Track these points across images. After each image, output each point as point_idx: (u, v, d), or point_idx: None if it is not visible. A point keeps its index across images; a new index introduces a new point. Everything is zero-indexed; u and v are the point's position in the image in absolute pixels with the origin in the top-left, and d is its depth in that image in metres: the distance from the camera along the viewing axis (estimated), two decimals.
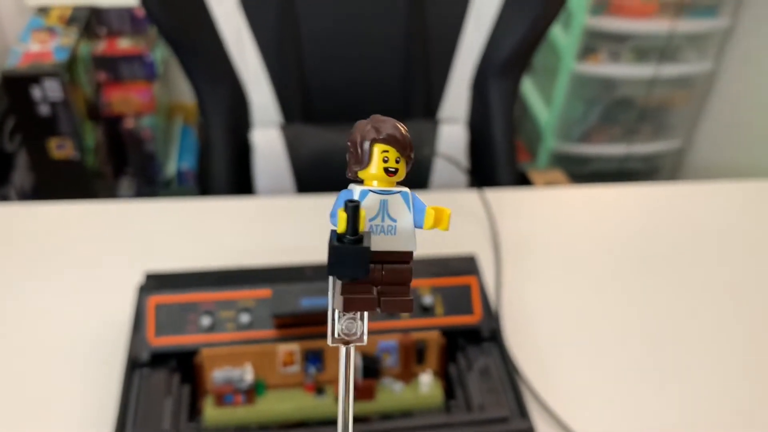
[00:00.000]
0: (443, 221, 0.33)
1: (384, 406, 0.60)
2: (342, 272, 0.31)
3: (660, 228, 0.88)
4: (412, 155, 0.34)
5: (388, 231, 0.33)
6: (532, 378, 0.65)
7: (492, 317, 0.64)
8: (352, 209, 0.31)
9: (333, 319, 0.33)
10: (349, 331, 0.33)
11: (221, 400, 0.58)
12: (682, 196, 0.95)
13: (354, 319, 0.33)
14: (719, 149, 1.72)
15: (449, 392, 0.62)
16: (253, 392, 0.58)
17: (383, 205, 0.33)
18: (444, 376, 0.63)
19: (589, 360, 0.69)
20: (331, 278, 0.33)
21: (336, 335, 0.33)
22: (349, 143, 0.34)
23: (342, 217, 0.31)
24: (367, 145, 0.33)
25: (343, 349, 0.33)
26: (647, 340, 0.71)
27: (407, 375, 0.61)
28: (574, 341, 0.71)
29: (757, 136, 1.56)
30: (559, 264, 0.81)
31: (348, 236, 0.31)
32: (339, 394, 0.33)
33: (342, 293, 0.32)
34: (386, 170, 0.33)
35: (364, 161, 0.33)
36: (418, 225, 0.33)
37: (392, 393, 0.60)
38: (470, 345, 0.64)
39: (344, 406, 0.33)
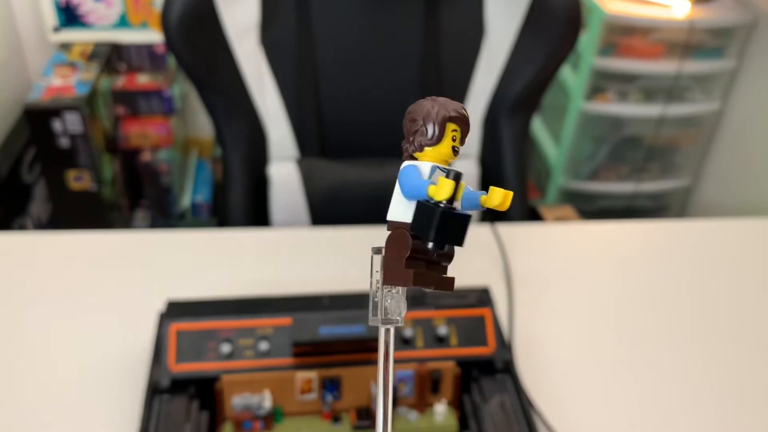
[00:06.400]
0: (507, 203, 0.33)
1: None
2: (444, 239, 0.32)
3: (668, 263, 0.89)
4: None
5: None
6: (544, 409, 0.66)
7: (505, 348, 0.66)
8: (456, 176, 0.31)
9: (380, 298, 0.33)
10: (394, 310, 0.33)
11: (240, 426, 0.59)
12: (689, 233, 0.96)
13: (399, 298, 0.33)
14: (726, 188, 1.73)
15: (463, 422, 0.63)
16: (271, 419, 0.60)
17: None
18: (458, 406, 0.64)
19: (600, 391, 0.70)
20: (376, 257, 0.33)
21: (383, 315, 0.33)
22: (411, 121, 0.34)
23: (449, 184, 0.31)
24: (440, 122, 0.33)
25: (382, 331, 0.33)
26: (657, 372, 0.72)
27: (422, 404, 0.63)
28: (585, 373, 0.72)
29: (764, 175, 1.58)
30: (571, 297, 0.82)
31: (449, 205, 0.31)
32: (378, 378, 0.33)
33: (406, 267, 0.32)
34: (453, 149, 0.34)
35: (434, 138, 0.33)
36: (471, 205, 0.33)
37: (407, 422, 0.61)
38: (484, 376, 0.65)
39: (384, 395, 0.33)
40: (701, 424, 0.67)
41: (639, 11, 1.58)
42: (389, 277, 0.33)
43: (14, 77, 1.62)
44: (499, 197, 0.32)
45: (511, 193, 0.33)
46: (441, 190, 0.31)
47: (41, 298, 0.77)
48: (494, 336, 0.65)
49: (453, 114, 0.33)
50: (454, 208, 0.32)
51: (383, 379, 0.34)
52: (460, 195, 0.32)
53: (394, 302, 0.34)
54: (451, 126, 0.33)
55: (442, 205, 0.31)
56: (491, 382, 0.65)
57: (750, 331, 0.79)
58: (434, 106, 0.34)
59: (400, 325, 0.34)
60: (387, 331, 0.34)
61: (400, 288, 0.34)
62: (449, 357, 0.63)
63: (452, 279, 0.34)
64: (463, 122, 0.34)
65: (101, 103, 1.57)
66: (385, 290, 0.34)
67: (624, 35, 1.60)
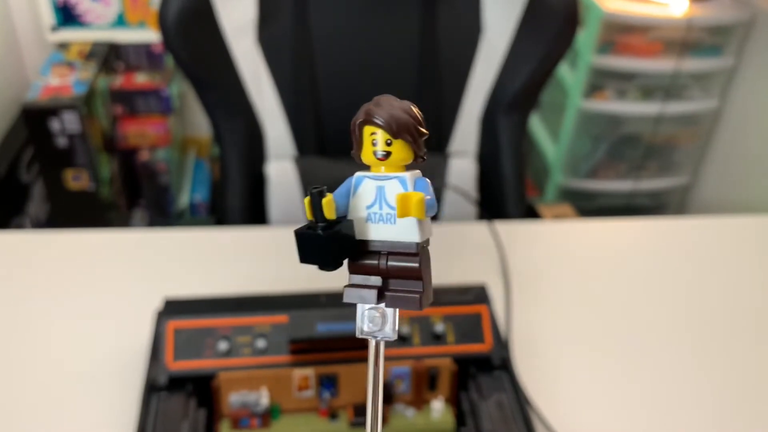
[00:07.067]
0: (411, 208, 0.30)
1: (396, 431, 0.61)
2: (310, 261, 0.30)
3: (666, 261, 0.89)
4: (415, 138, 0.31)
5: (387, 219, 0.31)
6: (541, 406, 0.66)
7: (502, 346, 0.66)
8: (315, 195, 0.29)
9: (360, 312, 0.32)
10: (373, 324, 0.32)
11: (237, 423, 0.59)
12: (688, 230, 0.96)
13: (379, 312, 0.32)
14: (725, 185, 1.73)
15: (460, 419, 0.63)
16: (268, 416, 0.60)
17: (380, 192, 0.31)
18: (455, 403, 0.64)
19: (597, 388, 0.70)
20: None
21: (363, 329, 0.32)
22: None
23: (306, 203, 0.30)
24: (357, 126, 0.31)
25: (371, 343, 0.32)
26: (656, 370, 0.72)
27: (419, 401, 0.62)
28: (582, 370, 0.72)
29: (762, 173, 1.58)
30: (568, 295, 0.82)
31: (320, 224, 0.30)
32: (368, 391, 0.33)
33: (347, 283, 0.31)
34: (375, 154, 0.31)
35: (359, 144, 0.32)
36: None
37: (404, 418, 0.61)
38: (481, 373, 0.65)
39: (373, 404, 0.33)
40: (699, 421, 0.67)
41: (637, 9, 1.58)
42: (351, 295, 0.32)
43: (12, 77, 1.62)
44: (399, 209, 0.30)
45: (410, 194, 0.30)
46: (306, 210, 0.30)
47: (39, 296, 0.77)
48: (491, 333, 0.65)
49: (364, 118, 0.31)
50: (329, 226, 0.30)
51: (372, 392, 0.33)
52: (329, 212, 0.30)
53: (373, 315, 0.32)
54: (369, 129, 0.31)
55: (320, 225, 0.30)
56: (488, 379, 0.64)
57: (749, 328, 0.79)
58: (363, 107, 0.32)
59: (390, 338, 0.32)
60: (377, 343, 0.32)
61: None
62: (446, 354, 0.63)
63: (416, 297, 0.31)
64: (380, 125, 0.31)
65: (99, 102, 1.57)
66: (361, 305, 0.32)
67: (622, 33, 1.60)
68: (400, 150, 0.31)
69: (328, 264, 0.30)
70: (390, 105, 0.31)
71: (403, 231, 0.31)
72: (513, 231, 0.91)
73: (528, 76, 0.99)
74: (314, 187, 0.29)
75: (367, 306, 0.32)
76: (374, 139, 0.31)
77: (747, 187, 1.63)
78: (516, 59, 0.99)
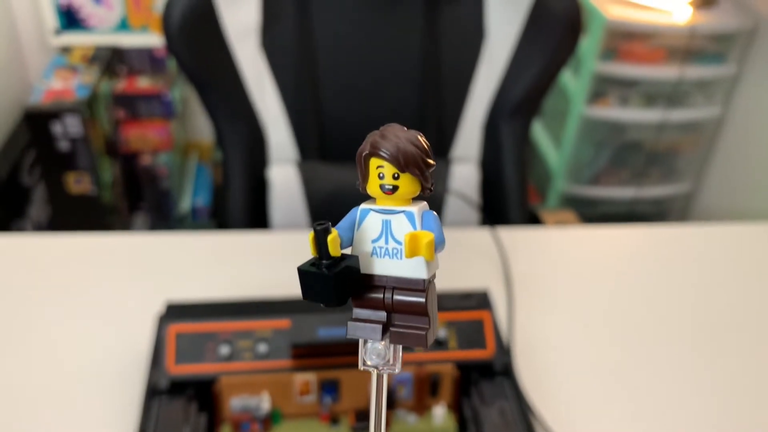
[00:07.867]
0: (420, 249, 0.29)
1: None
2: (313, 298, 0.30)
3: (669, 268, 0.89)
4: (422, 171, 0.30)
5: (393, 254, 0.31)
6: (544, 413, 0.66)
7: (504, 352, 0.65)
8: (320, 232, 0.29)
9: (363, 345, 0.32)
10: (377, 357, 0.31)
11: (238, 428, 0.59)
12: (690, 237, 0.96)
13: (382, 346, 0.31)
14: (727, 193, 1.73)
15: (462, 425, 0.63)
16: (269, 421, 0.59)
17: (386, 226, 0.31)
18: (457, 409, 0.63)
19: (600, 395, 0.69)
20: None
21: (365, 362, 0.32)
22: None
23: (310, 239, 0.29)
24: (363, 159, 0.30)
25: (374, 375, 0.32)
26: (658, 377, 0.72)
27: (421, 407, 0.62)
28: (585, 377, 0.71)
29: (766, 180, 1.58)
30: (571, 301, 0.82)
31: (324, 261, 0.29)
32: (370, 422, 0.32)
33: (351, 318, 0.31)
34: (381, 187, 0.30)
35: (364, 177, 0.31)
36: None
37: (406, 424, 0.61)
38: (483, 379, 0.64)
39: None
40: (707, 425, 0.67)
41: (640, 16, 1.58)
42: (356, 330, 0.31)
43: (14, 80, 1.62)
44: (407, 250, 0.29)
45: (419, 235, 0.29)
46: (310, 247, 0.29)
47: (40, 300, 0.77)
48: (493, 339, 0.65)
49: (370, 150, 0.30)
50: (333, 264, 0.29)
51: (375, 423, 0.32)
52: (334, 249, 0.29)
53: (377, 349, 0.31)
54: (374, 162, 0.30)
55: (324, 262, 0.29)
56: (490, 385, 0.64)
57: (752, 336, 0.79)
58: (370, 137, 0.30)
59: (394, 372, 0.32)
60: (379, 377, 0.32)
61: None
62: (448, 360, 0.63)
63: (422, 334, 0.31)
64: (386, 158, 0.29)
65: (101, 106, 1.57)
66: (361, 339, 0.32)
67: (625, 40, 1.60)
68: (408, 184, 0.30)
69: (332, 302, 0.30)
70: (396, 137, 0.30)
71: (410, 268, 0.31)
72: (515, 237, 0.91)
73: (531, 82, 0.99)
74: (319, 224, 0.29)
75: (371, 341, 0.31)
76: (380, 172, 0.30)
77: (750, 194, 1.63)
78: (519, 65, 0.99)
